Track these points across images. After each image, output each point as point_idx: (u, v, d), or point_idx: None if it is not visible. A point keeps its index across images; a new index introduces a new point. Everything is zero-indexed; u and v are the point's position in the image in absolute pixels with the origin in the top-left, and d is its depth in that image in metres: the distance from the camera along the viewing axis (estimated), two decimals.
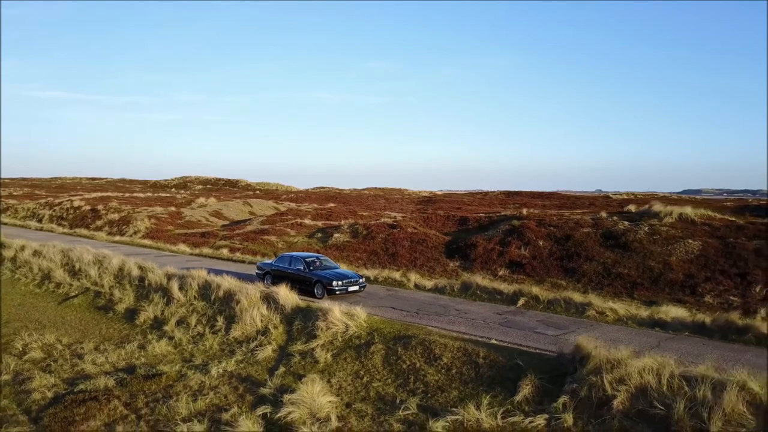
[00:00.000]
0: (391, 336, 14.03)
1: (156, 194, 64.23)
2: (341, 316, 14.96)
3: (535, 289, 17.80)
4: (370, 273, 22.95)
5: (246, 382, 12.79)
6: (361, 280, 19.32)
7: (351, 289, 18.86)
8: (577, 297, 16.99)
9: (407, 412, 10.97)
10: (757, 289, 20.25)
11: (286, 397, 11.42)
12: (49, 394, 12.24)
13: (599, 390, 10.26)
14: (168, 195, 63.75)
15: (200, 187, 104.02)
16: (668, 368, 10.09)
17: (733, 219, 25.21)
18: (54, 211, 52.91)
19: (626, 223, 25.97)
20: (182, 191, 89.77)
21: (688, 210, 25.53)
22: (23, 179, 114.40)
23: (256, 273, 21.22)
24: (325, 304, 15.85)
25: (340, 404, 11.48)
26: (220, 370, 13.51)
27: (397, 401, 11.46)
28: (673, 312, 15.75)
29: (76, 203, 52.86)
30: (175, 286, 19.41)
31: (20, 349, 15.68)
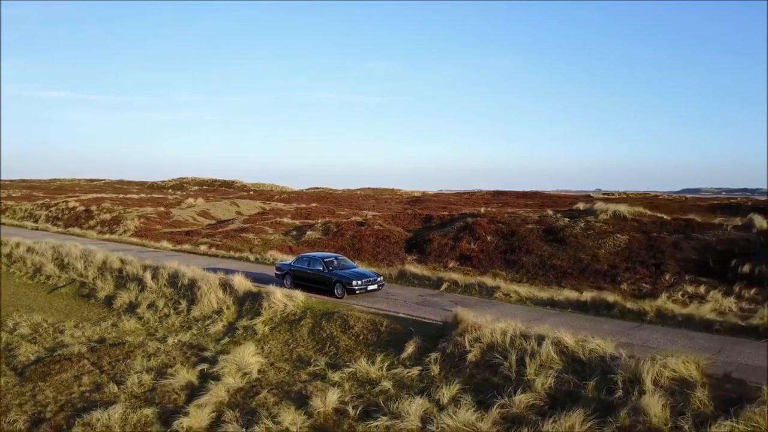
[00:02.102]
0: (320, 313, 17.07)
1: (150, 195, 67.51)
2: (282, 298, 18.02)
3: (456, 276, 20.84)
4: None
5: (194, 349, 15.90)
6: (379, 279, 19.68)
7: (370, 288, 19.18)
8: (489, 281, 20.01)
9: (316, 367, 14.04)
10: (667, 277, 23.19)
11: (222, 357, 14.51)
12: (32, 357, 15.39)
13: (461, 347, 13.30)
14: (161, 196, 67.00)
15: (196, 188, 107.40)
16: (513, 329, 13.10)
17: (661, 216, 28.10)
18: (50, 211, 56.21)
19: (567, 219, 28.93)
20: (178, 192, 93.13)
21: (622, 208, 28.45)
22: (23, 181, 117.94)
23: (275, 274, 21.58)
24: (270, 287, 18.87)
25: (265, 363, 14.55)
26: (176, 341, 16.63)
27: (312, 360, 14.53)
28: (568, 294, 18.74)
29: (71, 204, 56.16)
30: (148, 276, 22.53)
31: (11, 327, 18.85)
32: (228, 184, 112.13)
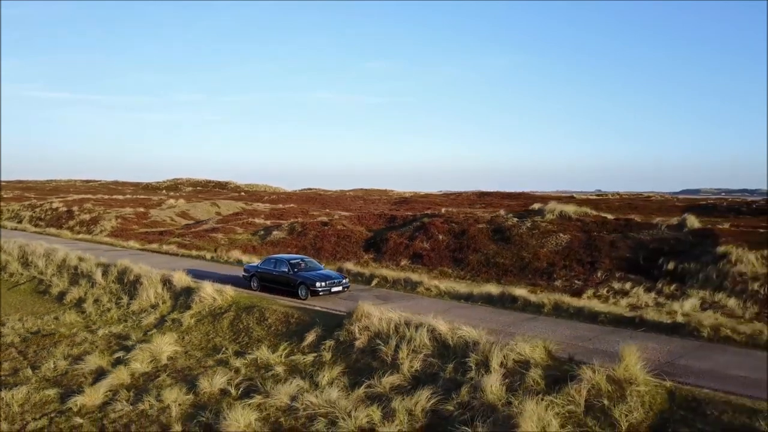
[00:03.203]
0: (244, 306, 18.38)
1: (135, 196, 69.07)
2: (212, 293, 19.35)
3: (386, 272, 22.11)
4: None
5: (120, 339, 17.26)
6: (344, 281, 19.99)
7: (334, 289, 19.46)
8: (415, 277, 21.28)
9: (225, 355, 15.36)
10: (599, 274, 24.36)
11: (140, 346, 15.85)
12: None
13: (352, 335, 14.58)
14: (146, 197, 68.54)
15: (190, 189, 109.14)
16: (398, 319, 14.36)
17: (605, 216, 29.23)
18: (35, 212, 57.88)
19: (515, 219, 30.12)
20: (171, 193, 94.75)
21: (568, 208, 29.60)
22: (20, 182, 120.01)
23: (243, 276, 21.89)
24: (204, 283, 20.18)
25: (180, 351, 15.87)
26: (107, 332, 17.99)
27: (223, 349, 15.84)
28: (490, 289, 19.92)
29: (54, 205, 57.80)
30: (99, 273, 23.92)
31: None
32: (221, 185, 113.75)
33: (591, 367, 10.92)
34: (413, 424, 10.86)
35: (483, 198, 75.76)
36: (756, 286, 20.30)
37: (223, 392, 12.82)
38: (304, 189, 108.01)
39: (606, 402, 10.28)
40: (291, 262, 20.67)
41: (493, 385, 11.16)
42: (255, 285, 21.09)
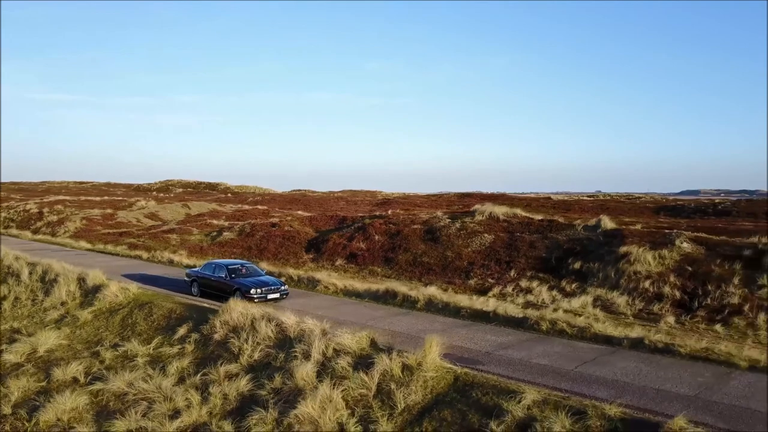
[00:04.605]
0: (140, 303, 19.59)
1: (111, 198, 70.67)
2: (116, 290, 20.58)
3: (292, 270, 23.28)
4: None
5: (15, 333, 18.52)
6: (283, 288, 19.79)
7: (271, 296, 19.25)
8: (319, 276, 22.40)
9: (102, 347, 16.56)
10: (512, 273, 25.38)
11: (25, 339, 17.08)
12: None
13: (214, 328, 15.73)
14: (121, 198, 70.11)
15: (181, 190, 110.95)
16: (258, 314, 15.51)
17: (531, 217, 30.22)
18: (9, 213, 59.56)
19: (448, 220, 31.18)
20: (161, 194, 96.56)
21: (496, 209, 30.62)
22: (13, 183, 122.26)
23: (185, 281, 21.98)
24: (113, 281, 21.40)
25: (64, 344, 17.11)
26: (8, 327, 19.28)
27: (104, 342, 17.05)
28: (389, 285, 21.02)
29: (29, 206, 59.47)
30: (26, 271, 25.24)
31: None
32: (212, 186, 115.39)
33: (390, 355, 12.02)
34: (225, 407, 12.03)
35: (463, 199, 76.71)
36: (647, 284, 21.30)
37: (75, 380, 14.02)
38: (293, 190, 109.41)
39: (393, 386, 11.38)
40: (229, 267, 20.62)
41: (305, 371, 12.29)
42: (195, 291, 21.10)
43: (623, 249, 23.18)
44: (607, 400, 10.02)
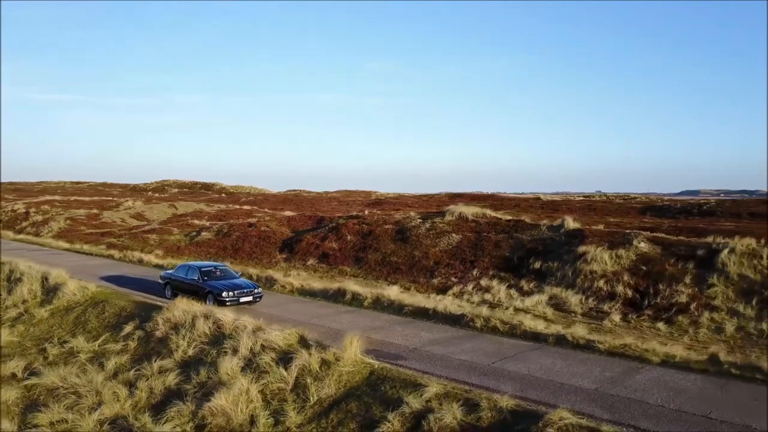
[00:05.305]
0: (96, 301, 20.06)
1: (101, 198, 71.31)
2: (74, 289, 21.07)
3: (252, 270, 23.71)
4: None
5: None
6: (256, 291, 19.45)
7: (243, 299, 18.96)
8: (276, 275, 22.86)
9: (50, 344, 17.03)
10: (475, 272, 25.78)
11: None
12: None
13: (157, 325, 16.18)
14: (110, 198, 70.73)
15: (176, 190, 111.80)
16: (198, 312, 15.95)
17: (498, 217, 30.60)
18: None
19: (419, 220, 31.59)
20: (157, 195, 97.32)
21: (466, 209, 31.02)
22: (11, 183, 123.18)
23: (159, 282, 21.79)
24: (73, 280, 21.89)
25: (15, 341, 17.60)
26: None
27: (54, 338, 17.52)
28: (348, 285, 21.43)
29: (16, 206, 60.15)
30: None
31: None
32: (207, 187, 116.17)
33: (309, 351, 12.44)
34: (150, 400, 12.48)
35: (453, 199, 77.17)
36: (602, 283, 21.66)
37: (13, 376, 14.50)
38: (288, 190, 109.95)
39: (309, 380, 11.80)
40: (202, 270, 20.23)
41: (230, 366, 12.72)
42: (168, 294, 20.75)
43: (581, 249, 23.54)
44: (507, 393, 10.40)
